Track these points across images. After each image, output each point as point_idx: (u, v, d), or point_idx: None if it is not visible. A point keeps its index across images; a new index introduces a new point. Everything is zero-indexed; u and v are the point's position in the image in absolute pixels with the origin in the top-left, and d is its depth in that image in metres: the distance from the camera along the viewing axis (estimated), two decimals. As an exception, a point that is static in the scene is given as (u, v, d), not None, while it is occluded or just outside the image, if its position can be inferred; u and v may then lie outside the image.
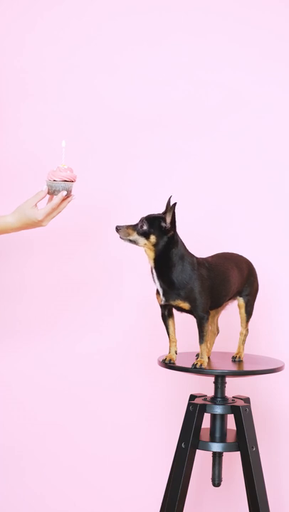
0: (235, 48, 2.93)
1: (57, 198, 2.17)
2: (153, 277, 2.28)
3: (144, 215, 2.26)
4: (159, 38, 2.93)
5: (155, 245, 2.24)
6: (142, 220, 2.25)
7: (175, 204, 2.22)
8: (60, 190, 2.17)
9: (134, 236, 2.24)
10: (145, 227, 2.23)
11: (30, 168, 2.89)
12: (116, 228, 2.26)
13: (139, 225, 2.24)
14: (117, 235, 2.27)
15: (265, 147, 2.93)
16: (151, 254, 2.25)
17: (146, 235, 2.23)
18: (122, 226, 2.25)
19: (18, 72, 2.91)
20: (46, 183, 2.18)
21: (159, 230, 2.23)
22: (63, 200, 2.18)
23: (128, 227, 2.25)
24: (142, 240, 2.24)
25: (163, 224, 2.23)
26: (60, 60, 2.93)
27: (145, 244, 2.24)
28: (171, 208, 2.22)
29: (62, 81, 2.94)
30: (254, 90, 2.93)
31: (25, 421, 2.94)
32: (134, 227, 2.25)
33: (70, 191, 2.19)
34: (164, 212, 2.24)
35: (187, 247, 2.30)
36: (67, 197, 2.19)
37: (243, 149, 2.93)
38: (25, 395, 2.93)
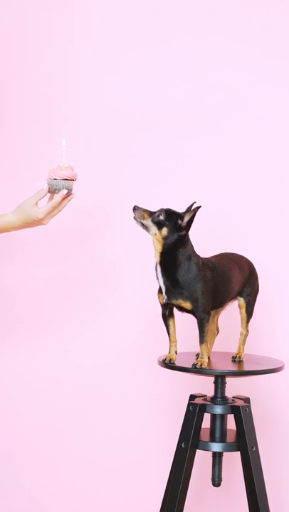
0: (236, 48, 2.93)
1: (57, 197, 2.17)
2: (157, 273, 2.28)
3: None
4: (159, 38, 2.93)
5: (165, 238, 2.23)
6: (160, 210, 2.24)
7: (198, 208, 2.22)
8: (60, 189, 2.17)
9: (148, 222, 2.24)
10: (162, 217, 2.23)
11: (31, 166, 2.89)
12: (133, 207, 2.25)
13: (157, 214, 2.24)
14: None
15: (265, 147, 2.93)
16: (159, 247, 2.25)
17: (159, 225, 2.23)
18: (140, 208, 2.25)
19: (18, 72, 2.91)
20: (47, 182, 2.18)
21: (173, 225, 2.23)
22: (64, 198, 2.18)
23: (145, 211, 2.25)
24: (153, 229, 2.23)
25: (179, 221, 2.23)
26: (60, 60, 2.93)
27: (155, 234, 2.24)
28: (192, 211, 2.22)
29: (63, 81, 2.94)
30: (254, 90, 2.93)
31: (22, 423, 2.94)
32: (151, 213, 2.25)
33: (71, 190, 2.19)
34: (184, 212, 2.24)
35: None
36: (68, 195, 2.19)
37: (243, 149, 2.93)
38: (22, 396, 2.93)
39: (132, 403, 2.94)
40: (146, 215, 2.25)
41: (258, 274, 2.50)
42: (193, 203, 2.24)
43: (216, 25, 2.93)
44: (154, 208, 2.27)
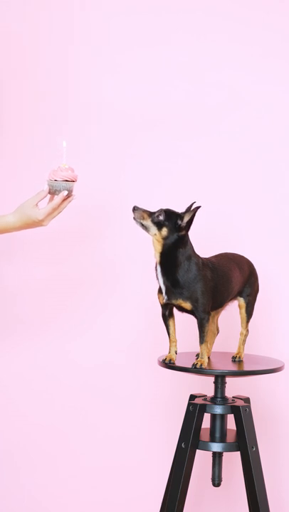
0: (236, 48, 2.93)
1: (58, 198, 2.17)
2: (157, 273, 2.28)
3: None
4: (159, 38, 2.93)
5: (164, 239, 2.23)
6: (160, 211, 2.24)
7: (198, 208, 2.22)
8: (61, 190, 2.17)
9: (148, 222, 2.24)
10: (161, 218, 2.23)
11: (31, 166, 2.89)
12: (133, 208, 2.24)
13: (156, 214, 2.24)
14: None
15: (265, 147, 2.93)
16: (158, 248, 2.25)
17: (159, 225, 2.23)
18: (140, 208, 2.25)
19: (18, 72, 2.91)
20: (47, 183, 2.18)
21: (172, 226, 2.23)
22: (64, 200, 2.18)
23: (145, 211, 2.25)
24: (153, 229, 2.23)
25: (179, 221, 2.23)
26: (60, 60, 2.93)
27: (155, 234, 2.23)
28: (192, 211, 2.22)
29: (63, 81, 2.94)
30: (254, 90, 2.93)
31: (22, 423, 2.94)
32: (150, 213, 2.24)
33: (71, 191, 2.19)
34: (184, 212, 2.24)
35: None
36: (68, 197, 2.19)
37: (243, 149, 2.93)
38: (22, 396, 2.93)
39: (132, 403, 2.94)
40: (145, 216, 2.24)
41: (258, 274, 2.50)
42: (192, 203, 2.24)
43: (216, 25, 2.93)
44: (154, 208, 2.27)
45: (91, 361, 2.93)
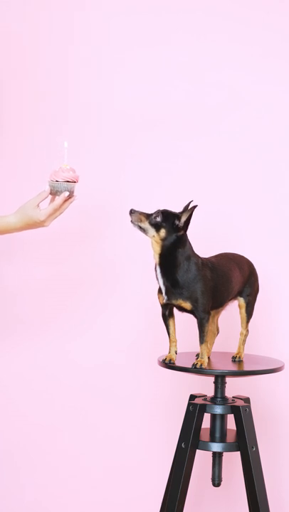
0: (236, 48, 2.93)
1: (59, 199, 2.17)
2: (156, 274, 2.28)
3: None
4: (159, 38, 2.93)
5: (163, 240, 2.23)
6: (157, 212, 2.24)
7: (194, 207, 2.22)
8: (62, 191, 2.16)
9: (145, 224, 2.24)
10: (158, 219, 2.23)
11: (31, 166, 2.89)
12: (130, 211, 2.24)
13: (154, 216, 2.24)
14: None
15: (265, 147, 2.93)
16: (157, 249, 2.25)
17: (157, 227, 2.23)
18: (137, 211, 2.25)
19: (18, 72, 2.91)
20: (48, 184, 2.18)
21: (170, 226, 2.23)
22: (65, 200, 2.18)
23: (142, 213, 2.24)
24: (151, 231, 2.23)
25: (176, 222, 2.23)
26: (60, 60, 2.93)
27: (153, 236, 2.23)
28: (189, 210, 2.22)
29: (63, 81, 2.94)
30: (254, 90, 2.93)
31: (22, 423, 2.94)
32: (148, 215, 2.24)
33: (73, 192, 2.18)
34: (181, 212, 2.24)
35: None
36: (70, 197, 2.19)
37: (243, 149, 2.93)
38: (22, 396, 2.93)
39: (132, 403, 2.94)
40: (143, 218, 2.24)
41: (258, 274, 2.50)
42: (189, 202, 2.24)
43: (216, 25, 2.93)
44: (153, 208, 2.27)
45: (91, 361, 2.93)
